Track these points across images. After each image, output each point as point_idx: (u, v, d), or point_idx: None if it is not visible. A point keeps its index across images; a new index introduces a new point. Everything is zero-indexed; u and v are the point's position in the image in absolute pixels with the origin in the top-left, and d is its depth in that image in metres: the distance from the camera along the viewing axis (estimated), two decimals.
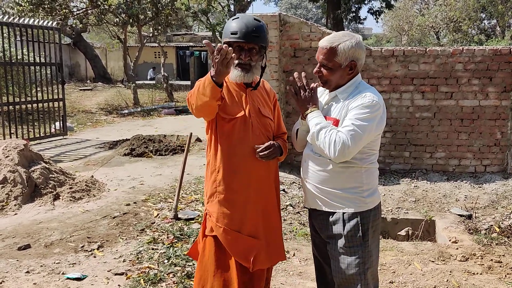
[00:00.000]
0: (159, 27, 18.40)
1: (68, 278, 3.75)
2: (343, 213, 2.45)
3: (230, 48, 2.20)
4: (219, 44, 2.21)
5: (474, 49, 6.94)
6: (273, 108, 2.75)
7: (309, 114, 2.45)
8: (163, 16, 17.16)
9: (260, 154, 2.52)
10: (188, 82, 26.45)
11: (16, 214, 5.29)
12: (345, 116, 2.38)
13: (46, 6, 15.40)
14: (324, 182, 2.47)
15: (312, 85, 2.51)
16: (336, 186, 2.45)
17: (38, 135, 10.12)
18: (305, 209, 2.82)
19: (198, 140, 9.45)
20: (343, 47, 2.40)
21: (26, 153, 6.04)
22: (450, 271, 4.11)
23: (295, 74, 2.50)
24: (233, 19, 2.53)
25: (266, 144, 2.54)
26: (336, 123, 2.40)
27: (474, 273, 4.10)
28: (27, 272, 3.85)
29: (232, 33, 2.47)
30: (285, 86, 7.25)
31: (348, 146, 2.28)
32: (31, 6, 15.02)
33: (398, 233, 5.54)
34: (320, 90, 2.60)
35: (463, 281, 3.94)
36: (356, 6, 22.38)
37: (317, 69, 2.47)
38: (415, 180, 6.90)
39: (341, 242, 2.45)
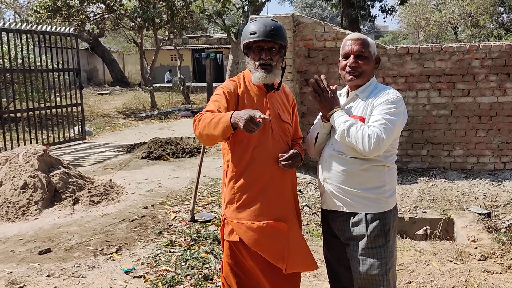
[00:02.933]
0: (175, 30, 18.56)
1: (127, 271, 3.93)
2: (366, 214, 2.45)
3: (266, 119, 2.16)
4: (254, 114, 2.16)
5: (491, 45, 6.85)
6: (292, 112, 2.74)
7: (334, 114, 2.46)
8: (178, 19, 17.32)
9: (284, 163, 2.50)
10: (204, 84, 26.56)
11: (36, 218, 5.39)
12: (371, 113, 2.43)
13: (63, 13, 15.68)
14: (346, 182, 2.47)
15: (332, 87, 2.53)
16: (359, 186, 2.46)
17: (58, 140, 10.29)
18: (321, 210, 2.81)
19: None
20: (370, 40, 2.57)
21: (45, 158, 6.15)
22: (469, 271, 4.07)
23: (316, 77, 2.52)
24: (251, 22, 2.56)
25: (290, 153, 2.51)
26: (362, 120, 2.43)
27: (493, 273, 4.05)
28: (48, 276, 3.93)
29: (251, 34, 2.49)
30: (300, 87, 7.25)
31: (383, 139, 2.32)
32: (48, 13, 15.31)
33: (416, 232, 5.50)
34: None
35: (482, 280, 3.90)
36: (369, 4, 22.15)
37: (353, 59, 2.50)
38: (433, 178, 6.83)
39: (363, 243, 2.45)
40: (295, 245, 2.56)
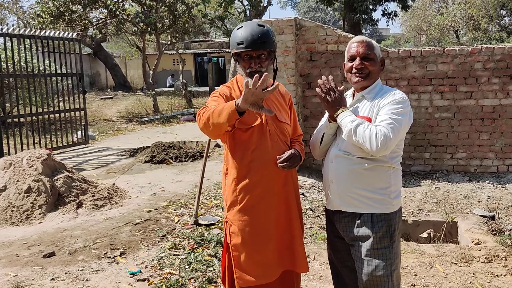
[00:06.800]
0: (177, 35, 18.59)
1: (132, 274, 3.95)
2: (371, 214, 2.46)
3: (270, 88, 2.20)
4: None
5: (493, 48, 6.85)
6: (289, 111, 2.76)
7: (340, 114, 2.47)
8: (180, 23, 17.35)
9: (282, 165, 2.52)
10: (207, 88, 26.63)
11: (40, 222, 5.40)
12: (377, 114, 2.45)
13: (66, 18, 15.73)
14: (352, 182, 2.48)
15: (339, 87, 2.54)
16: (365, 187, 2.46)
17: (61, 144, 10.32)
18: (324, 212, 2.83)
19: (217, 145, 9.51)
20: (375, 43, 2.59)
21: (49, 163, 6.17)
22: (473, 273, 4.06)
23: (323, 77, 2.53)
24: (237, 29, 2.55)
25: (288, 154, 2.54)
26: (369, 121, 2.44)
27: (497, 275, 4.04)
28: (52, 279, 3.93)
29: (238, 44, 2.50)
30: (302, 90, 7.26)
31: (390, 138, 2.33)
32: (51, 18, 15.36)
33: (420, 235, 5.50)
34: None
35: (487, 283, 3.89)
36: (370, 8, 22.17)
37: (359, 61, 2.51)
38: (436, 181, 6.83)
39: (368, 244, 2.46)
40: (292, 246, 2.62)
